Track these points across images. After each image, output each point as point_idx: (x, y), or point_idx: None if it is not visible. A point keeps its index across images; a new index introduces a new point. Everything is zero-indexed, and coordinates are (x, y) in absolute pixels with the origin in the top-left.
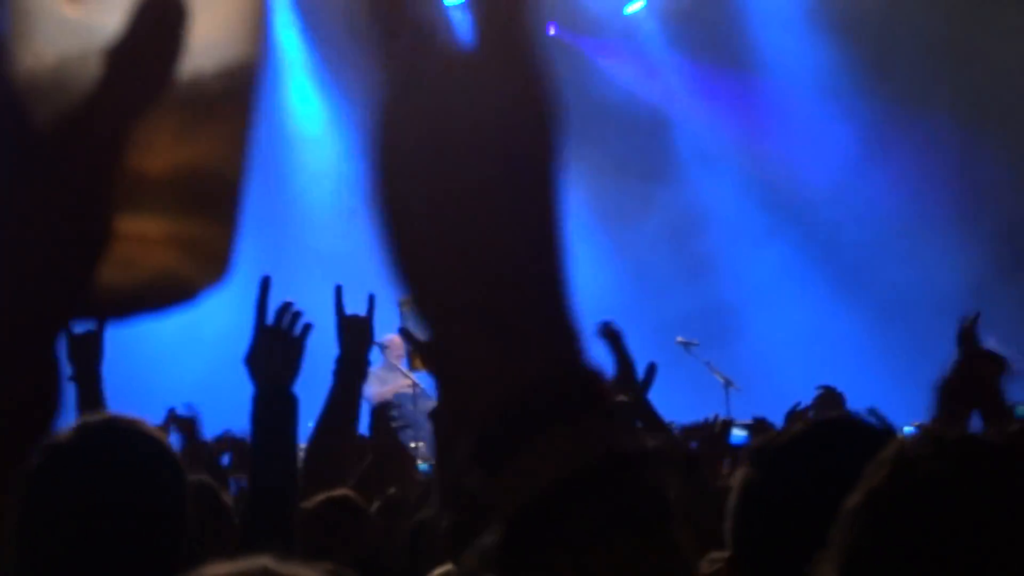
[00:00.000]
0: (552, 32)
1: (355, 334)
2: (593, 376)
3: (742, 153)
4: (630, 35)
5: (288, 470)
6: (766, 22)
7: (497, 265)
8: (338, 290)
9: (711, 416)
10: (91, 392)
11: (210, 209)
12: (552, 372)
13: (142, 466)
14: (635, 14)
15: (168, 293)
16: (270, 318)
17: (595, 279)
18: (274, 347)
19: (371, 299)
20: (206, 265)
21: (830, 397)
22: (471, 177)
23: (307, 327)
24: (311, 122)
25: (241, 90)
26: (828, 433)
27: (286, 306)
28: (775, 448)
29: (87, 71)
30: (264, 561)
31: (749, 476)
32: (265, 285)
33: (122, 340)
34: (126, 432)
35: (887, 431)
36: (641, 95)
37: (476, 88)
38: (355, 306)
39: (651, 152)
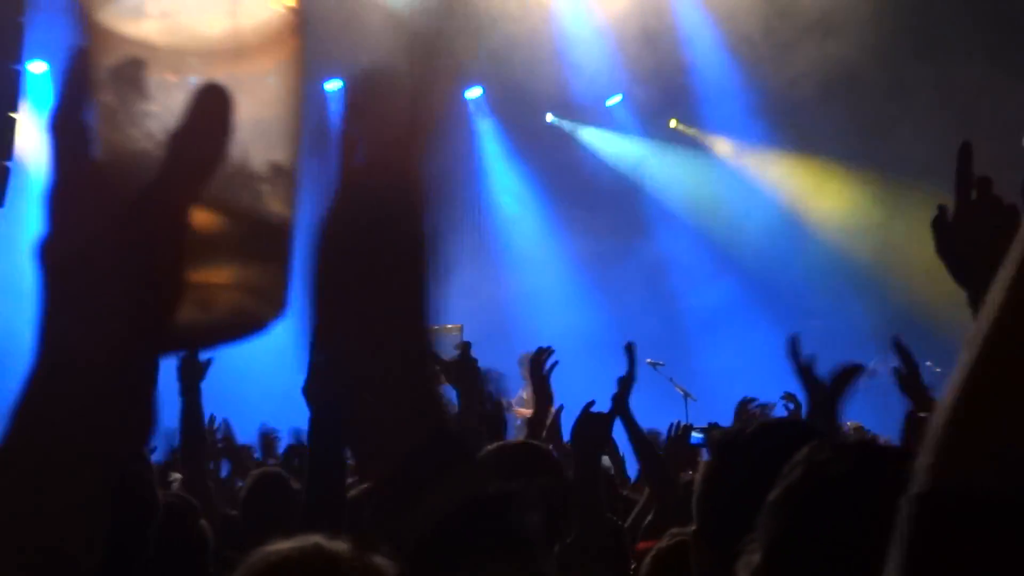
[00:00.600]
0: (549, 119)
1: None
2: (459, 438)
3: (697, 211)
4: (611, 120)
5: (339, 475)
6: (712, 111)
7: (387, 348)
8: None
9: (674, 422)
10: (193, 403)
11: (267, 257)
12: (430, 435)
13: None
14: (614, 105)
15: (239, 327)
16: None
17: (582, 311)
18: (325, 381)
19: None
20: (267, 303)
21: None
22: (362, 261)
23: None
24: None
25: (284, 159)
26: (772, 431)
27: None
28: (730, 442)
29: (158, 151)
30: (316, 539)
31: (710, 463)
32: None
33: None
34: None
35: (817, 431)
36: (618, 167)
37: (368, 191)
38: None
39: (626, 212)
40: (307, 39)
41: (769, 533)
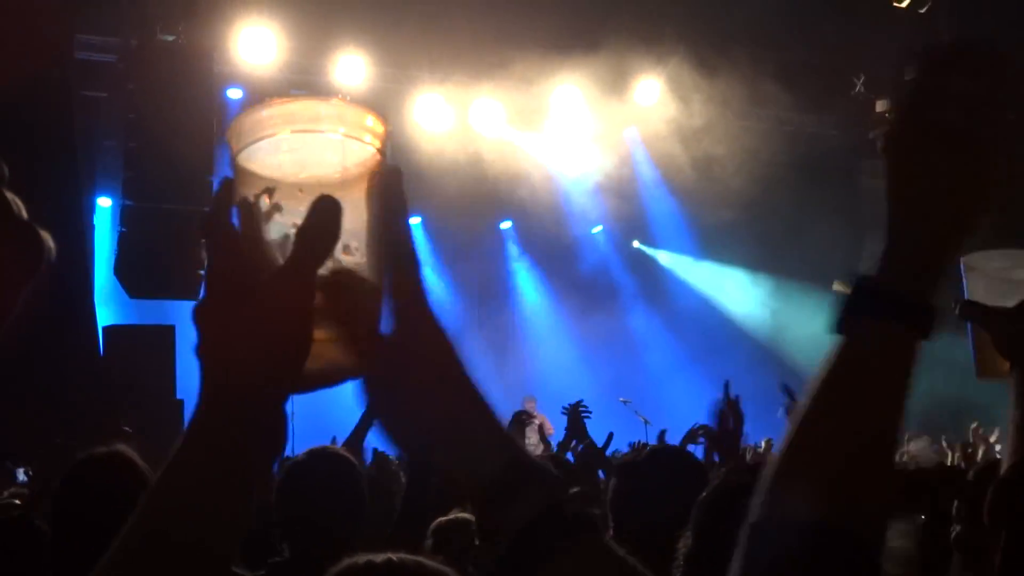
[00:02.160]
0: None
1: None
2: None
3: (653, 299)
4: (596, 243)
5: (428, 485)
6: (659, 233)
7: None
8: None
9: (636, 442)
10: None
11: (357, 319)
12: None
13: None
14: (597, 232)
15: (338, 375)
16: None
17: (584, 370)
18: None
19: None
20: (357, 358)
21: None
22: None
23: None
24: None
25: (376, 256)
26: (657, 457)
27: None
28: (628, 464)
29: (287, 247)
30: (390, 555)
31: (615, 482)
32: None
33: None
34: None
35: (694, 457)
36: (603, 274)
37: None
38: None
39: (608, 301)
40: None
41: (698, 524)
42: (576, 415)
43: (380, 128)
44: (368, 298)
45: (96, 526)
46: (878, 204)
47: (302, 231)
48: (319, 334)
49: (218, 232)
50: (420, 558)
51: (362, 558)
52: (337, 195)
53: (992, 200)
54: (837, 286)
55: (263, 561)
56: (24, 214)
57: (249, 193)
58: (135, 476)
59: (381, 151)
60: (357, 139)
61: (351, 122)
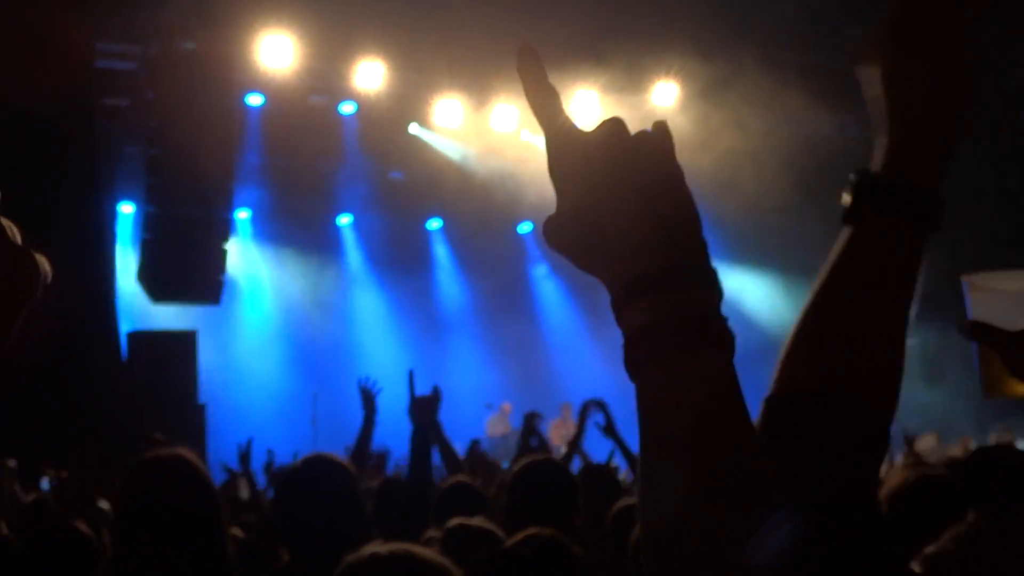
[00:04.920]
0: None
1: (423, 409)
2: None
3: None
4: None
5: (428, 477)
6: None
7: None
8: (411, 374)
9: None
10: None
11: None
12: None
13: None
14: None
15: None
16: (417, 391)
17: (591, 372)
18: (420, 406)
19: (436, 388)
20: None
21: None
22: None
23: (436, 391)
24: None
25: None
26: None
27: (436, 389)
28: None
29: None
30: (406, 546)
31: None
32: (411, 375)
33: None
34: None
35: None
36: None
37: None
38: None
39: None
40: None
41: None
42: (582, 417)
43: None
44: None
45: (162, 528)
46: (873, 102)
47: None
48: None
49: None
50: (424, 549)
51: (374, 548)
52: None
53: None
54: (846, 197)
55: (263, 567)
56: (19, 239)
57: None
58: (200, 479)
59: None
60: None
61: None
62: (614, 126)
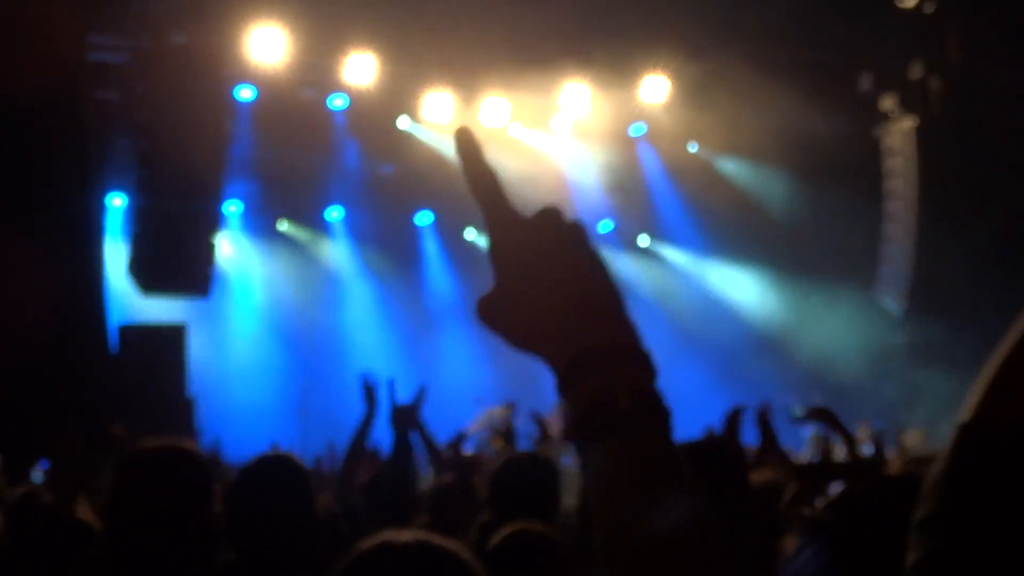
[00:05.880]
0: None
1: (403, 418)
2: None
3: (658, 295)
4: (603, 239)
5: (409, 470)
6: (668, 231)
7: None
8: (390, 384)
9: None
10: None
11: None
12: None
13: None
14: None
15: None
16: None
17: None
18: (400, 415)
19: (421, 389)
20: None
21: None
22: None
23: (421, 393)
24: None
25: None
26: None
27: (422, 390)
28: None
29: None
30: (416, 534)
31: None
32: (391, 384)
33: None
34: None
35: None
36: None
37: None
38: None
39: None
40: None
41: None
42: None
43: None
44: None
45: (161, 517)
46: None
47: None
48: None
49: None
50: (438, 537)
51: (387, 537)
52: None
53: None
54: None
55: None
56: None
57: None
58: (201, 468)
59: None
60: None
61: None
62: (551, 215)
